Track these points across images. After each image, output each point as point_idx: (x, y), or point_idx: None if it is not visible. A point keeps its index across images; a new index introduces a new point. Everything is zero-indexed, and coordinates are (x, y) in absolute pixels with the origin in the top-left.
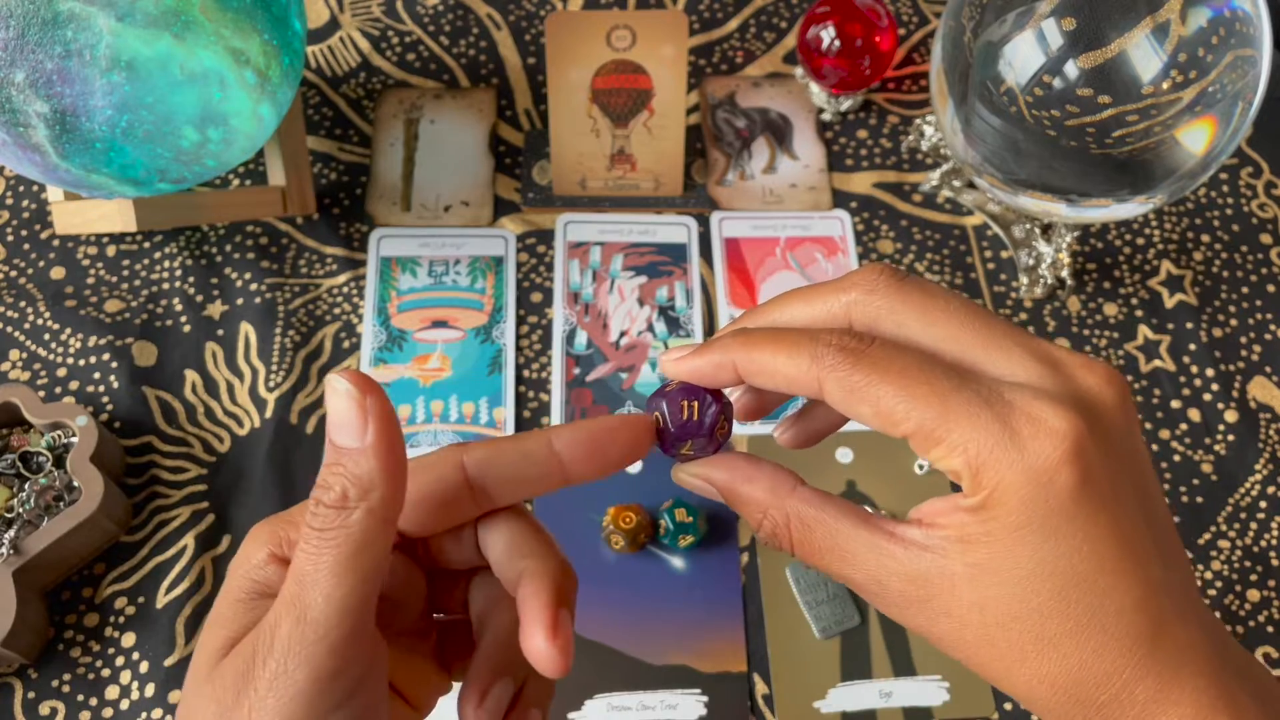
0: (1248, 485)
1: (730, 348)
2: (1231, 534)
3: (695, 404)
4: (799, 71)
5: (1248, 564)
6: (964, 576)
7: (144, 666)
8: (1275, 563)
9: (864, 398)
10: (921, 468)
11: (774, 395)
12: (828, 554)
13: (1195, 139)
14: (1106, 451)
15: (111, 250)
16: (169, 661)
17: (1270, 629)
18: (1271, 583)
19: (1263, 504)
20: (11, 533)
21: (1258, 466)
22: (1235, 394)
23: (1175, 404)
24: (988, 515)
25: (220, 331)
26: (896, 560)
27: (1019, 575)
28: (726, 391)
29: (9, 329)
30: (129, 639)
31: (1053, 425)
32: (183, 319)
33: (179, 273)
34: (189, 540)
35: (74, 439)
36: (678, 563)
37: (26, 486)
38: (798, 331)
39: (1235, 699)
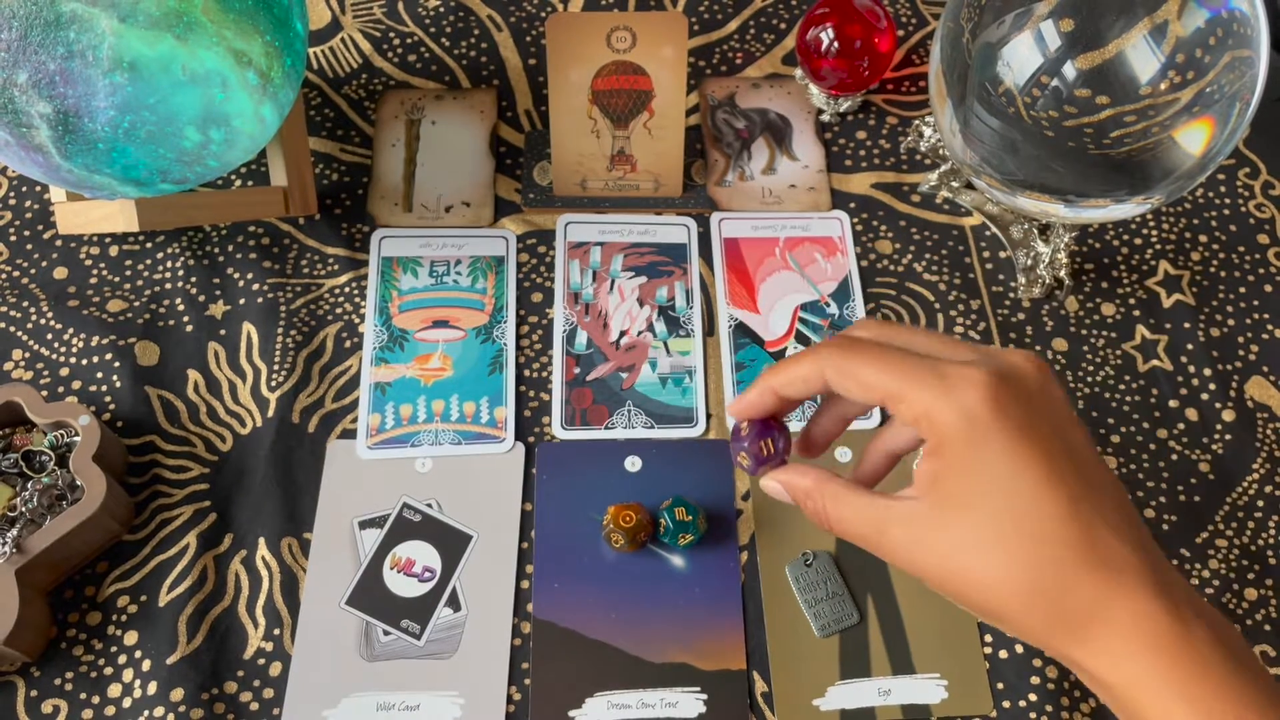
0: (1245, 484)
1: (764, 378)
2: (1229, 533)
3: (769, 440)
4: (798, 73)
5: (1245, 562)
6: (936, 512)
7: (146, 665)
8: (1272, 561)
9: (851, 375)
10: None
11: (823, 430)
12: (850, 520)
13: (1193, 140)
14: (1019, 398)
15: (114, 250)
16: (171, 660)
17: (1268, 627)
18: (1269, 581)
19: (1260, 503)
20: (14, 531)
21: (1255, 466)
22: (1233, 393)
23: (1173, 403)
24: (941, 456)
25: (222, 331)
26: (894, 512)
27: (970, 499)
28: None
29: (12, 329)
30: (131, 637)
31: (974, 378)
32: (185, 319)
33: (181, 273)
34: (191, 539)
35: (76, 438)
36: (678, 561)
37: (29, 485)
38: (806, 351)
39: (1171, 597)
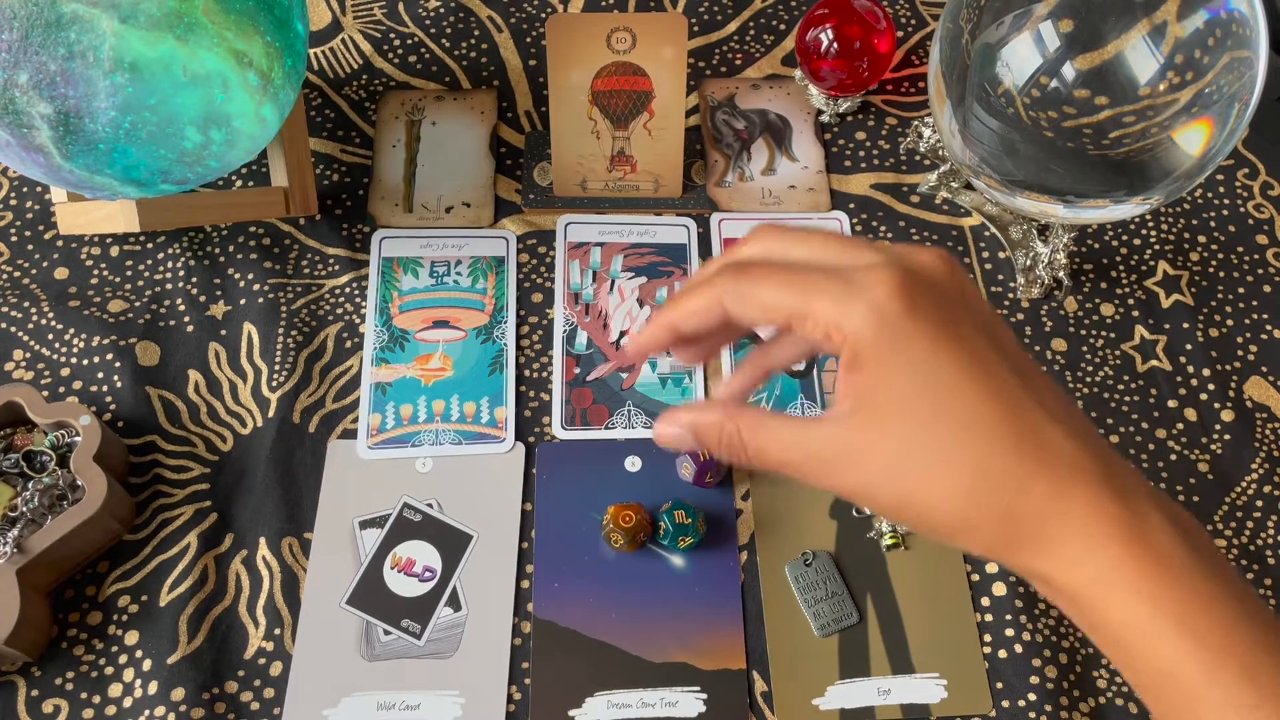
0: (1244, 484)
1: (659, 313)
2: (1228, 533)
3: (705, 451)
4: (798, 73)
5: (1244, 563)
6: (866, 428)
7: (147, 664)
8: (1271, 561)
9: (748, 298)
10: None
11: (746, 379)
12: (772, 447)
13: (1192, 140)
14: (932, 294)
15: (115, 250)
16: (172, 659)
17: None
18: (1268, 581)
19: (1259, 503)
20: (15, 531)
21: (1254, 466)
22: (1231, 394)
23: (1172, 403)
24: (859, 368)
25: (223, 331)
26: (821, 433)
27: (900, 407)
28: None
29: (13, 329)
30: (132, 637)
31: (882, 275)
32: (185, 319)
33: (182, 273)
34: (192, 539)
35: (77, 438)
36: (677, 561)
37: (30, 485)
38: (699, 279)
39: (1123, 489)
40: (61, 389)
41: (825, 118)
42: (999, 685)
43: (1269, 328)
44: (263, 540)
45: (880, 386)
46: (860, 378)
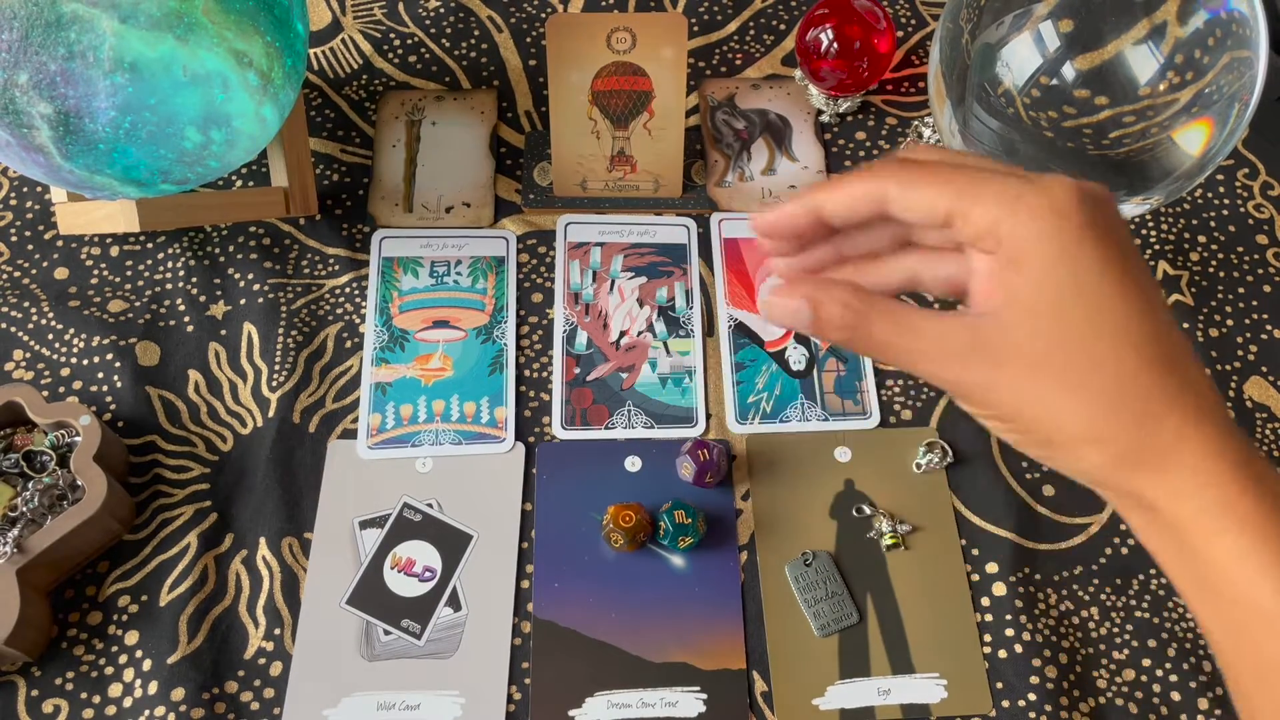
0: None
1: (808, 193)
2: None
3: (705, 450)
4: (798, 73)
5: None
6: (1015, 322)
7: (147, 664)
8: None
9: (916, 189)
10: (919, 466)
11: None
12: (900, 333)
13: (1192, 140)
14: (1104, 211)
15: (115, 250)
16: (172, 659)
17: None
18: None
19: None
20: (15, 531)
21: None
22: (1231, 394)
23: None
24: (1018, 264)
25: (223, 331)
26: (960, 324)
27: (1058, 305)
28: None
29: (13, 329)
30: (132, 637)
31: (1065, 183)
32: (185, 319)
33: (182, 273)
34: (192, 539)
35: (77, 438)
36: (677, 561)
37: (30, 485)
38: (857, 170)
39: (1243, 438)
40: (61, 389)
41: (825, 118)
42: (999, 685)
43: (1269, 328)
44: (263, 540)
45: (1040, 288)
46: (1018, 278)
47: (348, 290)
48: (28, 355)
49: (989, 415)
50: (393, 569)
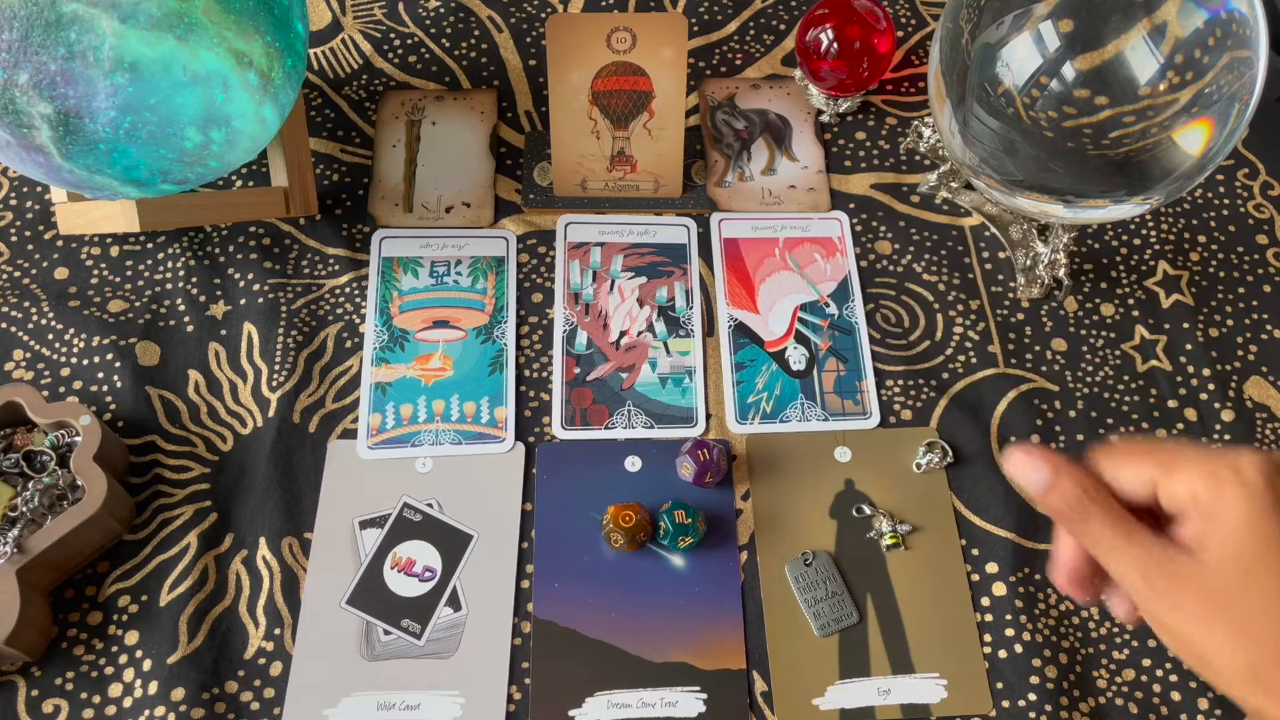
0: None
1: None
2: None
3: (704, 450)
4: (798, 74)
5: None
6: (1205, 563)
7: (147, 664)
8: None
9: (1131, 466)
10: (919, 466)
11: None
12: (1111, 543)
13: (1192, 140)
14: None
15: (115, 250)
16: (172, 659)
17: None
18: None
19: None
20: (15, 531)
21: None
22: (1231, 394)
23: (1172, 403)
24: (1213, 524)
25: (223, 331)
26: (1161, 544)
27: (1237, 556)
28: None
29: (13, 329)
30: (132, 637)
31: (1254, 457)
32: (185, 319)
33: (182, 273)
34: (192, 539)
35: (77, 438)
36: (677, 561)
37: (30, 485)
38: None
39: None
40: (61, 389)
41: (825, 118)
42: (999, 685)
43: (1269, 328)
44: (263, 540)
45: (1231, 547)
46: (1213, 535)
47: (348, 290)
48: (28, 355)
49: (1176, 647)
50: (393, 569)
